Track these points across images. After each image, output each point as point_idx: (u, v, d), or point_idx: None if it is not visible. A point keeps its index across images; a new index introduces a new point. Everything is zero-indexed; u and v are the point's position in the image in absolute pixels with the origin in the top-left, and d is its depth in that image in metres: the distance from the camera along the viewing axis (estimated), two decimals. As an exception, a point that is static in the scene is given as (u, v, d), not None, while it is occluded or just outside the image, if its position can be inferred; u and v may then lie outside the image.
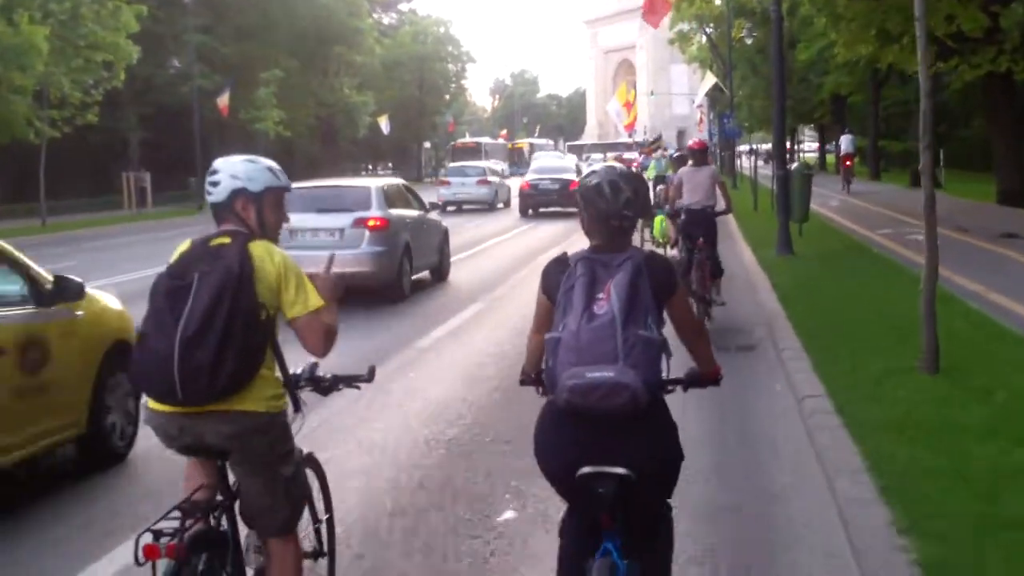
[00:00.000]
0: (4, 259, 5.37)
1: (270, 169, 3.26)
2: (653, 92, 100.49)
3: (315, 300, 3.16)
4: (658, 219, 14.85)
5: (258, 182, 3.20)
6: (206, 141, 39.11)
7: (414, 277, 13.12)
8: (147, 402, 3.13)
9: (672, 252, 12.26)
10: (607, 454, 2.90)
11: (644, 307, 2.90)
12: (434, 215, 14.87)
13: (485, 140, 62.59)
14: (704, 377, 3.20)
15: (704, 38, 51.74)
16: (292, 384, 3.31)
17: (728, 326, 10.02)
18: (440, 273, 14.51)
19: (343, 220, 11.99)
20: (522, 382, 3.35)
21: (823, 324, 9.38)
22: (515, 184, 34.20)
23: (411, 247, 12.72)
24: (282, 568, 3.26)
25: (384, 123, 54.81)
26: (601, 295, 2.90)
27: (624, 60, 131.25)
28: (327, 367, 3.46)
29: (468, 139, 62.74)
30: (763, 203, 25.04)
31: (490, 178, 33.24)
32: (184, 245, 3.19)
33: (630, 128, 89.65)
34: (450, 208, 28.79)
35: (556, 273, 3.07)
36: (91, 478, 5.65)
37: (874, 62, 26.28)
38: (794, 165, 18.16)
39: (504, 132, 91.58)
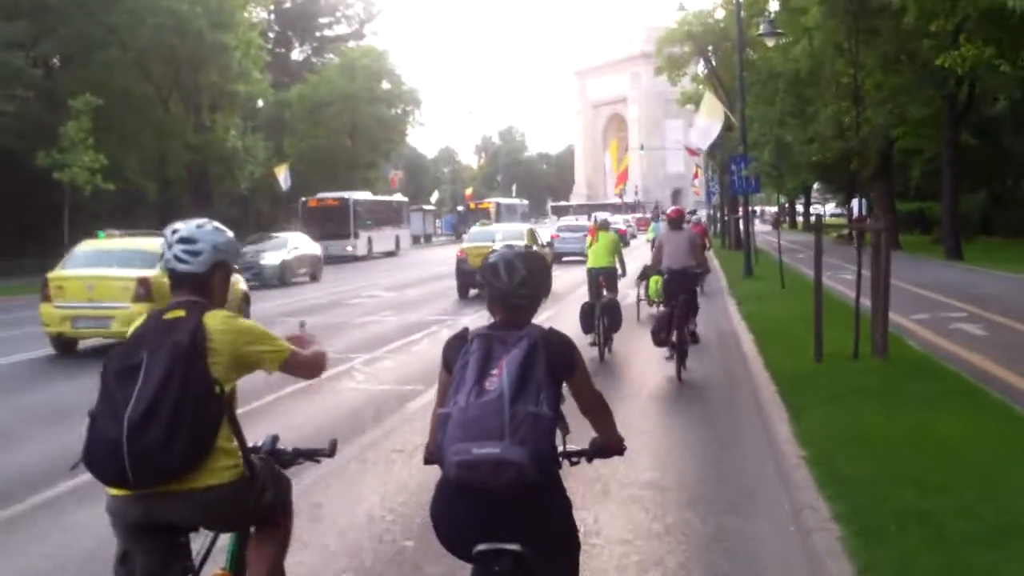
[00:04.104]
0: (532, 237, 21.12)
1: (236, 240, 3.31)
2: (643, 147, 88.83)
3: (285, 345, 3.24)
4: (653, 279, 14.99)
5: (235, 256, 3.27)
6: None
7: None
8: (107, 489, 3.03)
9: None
10: (502, 530, 2.91)
11: (536, 384, 2.89)
12: None
13: (355, 195, 41.75)
14: (607, 448, 3.25)
15: (701, 64, 39.51)
16: (247, 453, 3.18)
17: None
18: None
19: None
20: (426, 460, 3.23)
21: None
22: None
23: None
24: (259, 560, 3.26)
25: (283, 176, 41.73)
26: (494, 371, 2.91)
27: (615, 114, 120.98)
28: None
29: (328, 195, 40.92)
30: (836, 332, 10.73)
31: None
32: (139, 320, 3.16)
33: (621, 181, 79.11)
34: None
35: (455, 347, 3.07)
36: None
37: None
38: None
39: (468, 192, 78.57)
